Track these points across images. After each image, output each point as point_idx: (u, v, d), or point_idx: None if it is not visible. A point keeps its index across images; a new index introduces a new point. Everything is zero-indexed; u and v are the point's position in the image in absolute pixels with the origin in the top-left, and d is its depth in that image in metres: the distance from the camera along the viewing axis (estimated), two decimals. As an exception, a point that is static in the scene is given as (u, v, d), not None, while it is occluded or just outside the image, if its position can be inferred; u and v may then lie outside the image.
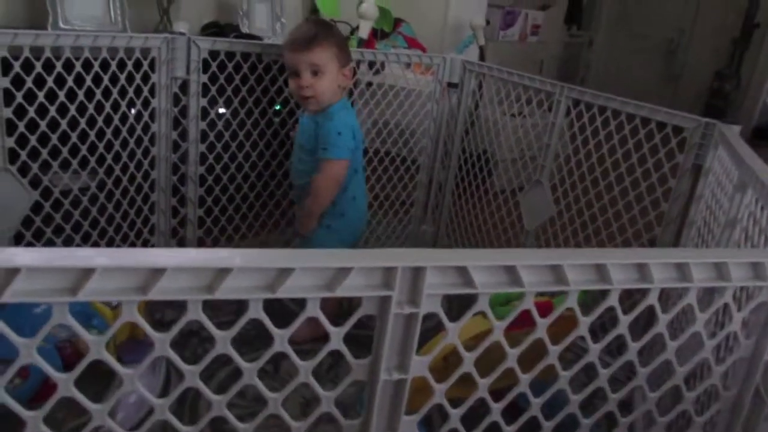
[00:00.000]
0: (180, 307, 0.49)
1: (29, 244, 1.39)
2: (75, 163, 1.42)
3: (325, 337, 0.50)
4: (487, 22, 2.87)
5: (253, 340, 1.55)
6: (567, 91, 1.70)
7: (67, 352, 1.19)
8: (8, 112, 1.26)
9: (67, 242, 1.46)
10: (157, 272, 0.41)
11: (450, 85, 2.02)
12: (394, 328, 0.48)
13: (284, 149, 1.86)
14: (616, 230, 1.62)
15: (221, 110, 1.73)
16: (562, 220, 1.75)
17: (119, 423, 1.25)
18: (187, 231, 1.72)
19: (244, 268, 0.43)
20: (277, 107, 1.86)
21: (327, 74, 1.41)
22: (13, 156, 1.30)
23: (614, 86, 4.68)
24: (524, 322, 1.14)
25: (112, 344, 1.34)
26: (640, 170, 1.54)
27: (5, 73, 1.24)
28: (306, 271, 0.44)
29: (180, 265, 0.42)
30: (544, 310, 1.15)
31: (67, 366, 1.18)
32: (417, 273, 0.46)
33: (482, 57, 2.75)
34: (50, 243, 1.43)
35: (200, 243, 1.76)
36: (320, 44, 1.39)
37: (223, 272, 0.43)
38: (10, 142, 1.28)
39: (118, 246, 1.58)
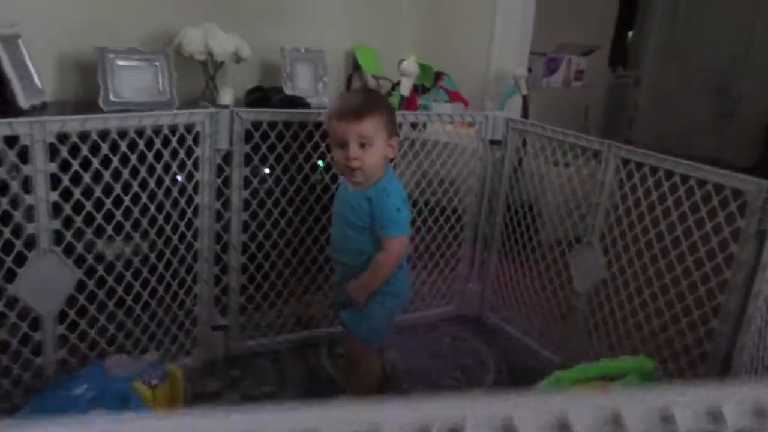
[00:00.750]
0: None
1: (73, 323, 1.40)
2: (119, 239, 1.43)
3: None
4: (529, 70, 2.83)
5: None
6: (615, 150, 1.64)
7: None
8: (55, 196, 1.28)
9: (111, 318, 1.47)
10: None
11: (493, 142, 1.98)
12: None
13: (327, 213, 1.85)
14: (674, 297, 1.53)
15: (265, 171, 1.74)
16: (616, 283, 1.67)
17: None
18: (230, 299, 1.72)
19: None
20: (320, 163, 1.85)
21: (375, 146, 1.37)
22: (58, 236, 1.32)
23: (665, 125, 4.55)
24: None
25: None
26: (698, 234, 1.45)
27: (53, 158, 1.26)
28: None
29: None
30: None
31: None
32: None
33: (525, 107, 2.71)
34: (94, 320, 1.43)
35: (242, 310, 1.75)
36: (371, 115, 1.36)
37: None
38: (56, 223, 1.30)
39: (161, 320, 1.58)
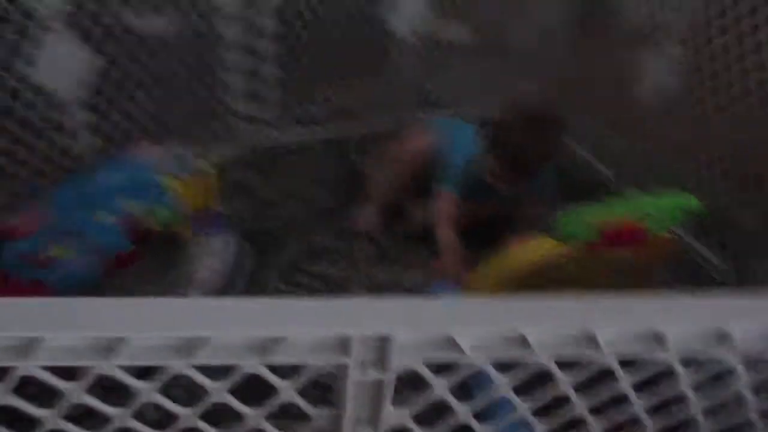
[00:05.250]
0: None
1: (102, 110, 1.37)
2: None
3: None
4: None
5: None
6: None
7: (131, 228, 1.20)
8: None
9: (139, 106, 1.44)
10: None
11: None
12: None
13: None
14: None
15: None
16: (696, 95, 1.46)
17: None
18: (264, 88, 1.64)
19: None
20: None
21: None
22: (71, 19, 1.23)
23: None
24: (613, 241, 0.99)
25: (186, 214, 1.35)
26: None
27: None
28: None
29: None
30: (636, 234, 0.98)
31: (132, 241, 1.20)
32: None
33: None
34: (122, 108, 1.40)
35: (278, 103, 1.68)
36: None
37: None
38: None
39: (192, 108, 1.54)
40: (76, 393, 0.37)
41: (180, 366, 0.36)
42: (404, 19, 1.66)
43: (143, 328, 0.34)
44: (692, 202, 0.93)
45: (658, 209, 0.91)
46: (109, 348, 0.34)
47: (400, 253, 1.41)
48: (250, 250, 1.40)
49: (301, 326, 0.34)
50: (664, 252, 1.05)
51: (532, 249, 0.98)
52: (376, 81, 1.82)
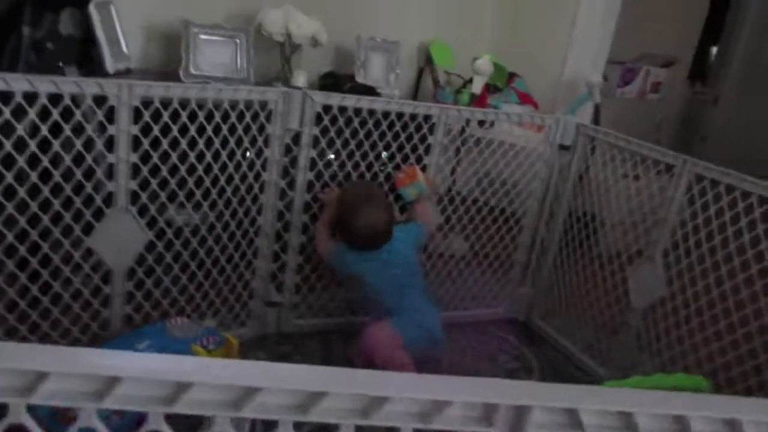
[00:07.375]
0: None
1: (140, 281, 1.46)
2: (189, 206, 1.49)
3: None
4: (605, 78, 2.77)
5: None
6: (690, 165, 1.59)
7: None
8: (135, 157, 1.34)
9: (175, 281, 1.54)
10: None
11: (562, 147, 1.95)
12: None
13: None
14: (736, 321, 1.48)
15: (331, 157, 1.78)
16: (675, 302, 1.63)
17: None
18: (287, 277, 1.76)
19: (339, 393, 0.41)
20: (385, 154, 1.87)
21: None
22: (134, 196, 1.38)
23: (741, 147, 4.34)
24: None
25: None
26: (771, 259, 1.40)
27: (136, 121, 1.32)
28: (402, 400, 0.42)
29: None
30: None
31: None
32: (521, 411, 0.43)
33: (597, 115, 2.65)
34: (159, 281, 1.50)
35: (297, 289, 1.79)
36: None
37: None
38: (134, 184, 1.36)
39: (220, 289, 1.64)
40: None
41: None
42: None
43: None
44: (702, 384, 1.02)
45: (674, 387, 1.00)
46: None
47: None
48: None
49: (455, 395, 0.42)
50: None
51: None
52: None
